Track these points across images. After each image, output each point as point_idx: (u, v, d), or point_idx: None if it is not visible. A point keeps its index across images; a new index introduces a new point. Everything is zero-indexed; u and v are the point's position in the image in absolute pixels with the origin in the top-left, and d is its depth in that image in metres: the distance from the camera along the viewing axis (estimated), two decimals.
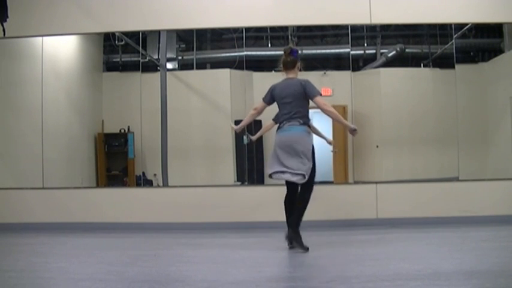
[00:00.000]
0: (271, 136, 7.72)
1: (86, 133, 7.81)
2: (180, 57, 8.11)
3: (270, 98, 4.69)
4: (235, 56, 7.53)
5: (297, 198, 4.53)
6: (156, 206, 6.32)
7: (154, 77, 7.43)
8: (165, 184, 7.16)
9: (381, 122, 7.44)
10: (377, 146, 7.36)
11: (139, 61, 7.48)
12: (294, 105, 4.53)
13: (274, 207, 6.10)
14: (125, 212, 6.30)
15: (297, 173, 4.38)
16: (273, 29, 7.56)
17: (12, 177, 6.77)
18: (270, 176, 4.58)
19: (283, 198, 4.64)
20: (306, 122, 4.53)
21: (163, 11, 6.39)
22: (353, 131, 4.53)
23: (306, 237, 5.10)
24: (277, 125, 4.78)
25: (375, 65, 7.94)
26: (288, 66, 4.64)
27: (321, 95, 4.56)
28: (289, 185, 4.58)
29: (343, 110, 7.26)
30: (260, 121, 7.61)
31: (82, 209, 6.31)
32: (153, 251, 4.68)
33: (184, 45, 8.12)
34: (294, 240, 4.41)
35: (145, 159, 7.63)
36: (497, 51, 7.44)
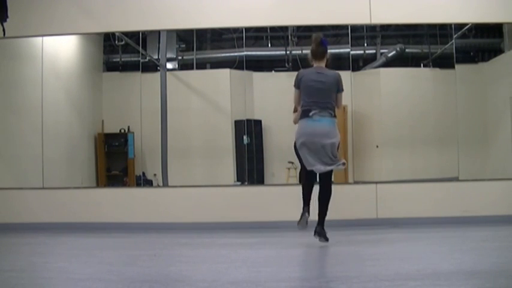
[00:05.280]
0: (271, 136, 7.76)
1: (86, 133, 7.81)
2: (180, 57, 8.10)
3: (298, 84, 4.61)
4: (235, 56, 7.53)
5: (324, 188, 4.56)
6: (156, 206, 6.33)
7: (154, 77, 7.43)
8: (165, 184, 7.16)
9: (381, 122, 7.43)
10: (377, 146, 7.36)
11: (139, 61, 7.47)
12: (326, 96, 4.51)
13: (274, 207, 6.13)
14: (125, 212, 6.30)
15: (332, 163, 4.46)
16: (273, 29, 7.55)
17: (12, 177, 6.77)
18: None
19: (299, 187, 4.65)
20: (335, 114, 4.54)
21: (163, 11, 6.39)
22: None
23: (306, 237, 5.10)
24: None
25: (375, 65, 7.93)
26: (318, 56, 4.60)
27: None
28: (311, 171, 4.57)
29: (343, 110, 7.26)
30: (260, 121, 7.63)
31: (82, 209, 6.31)
32: (153, 251, 4.67)
33: (184, 45, 8.11)
34: (322, 233, 4.50)
35: (145, 159, 7.63)
36: (497, 51, 7.43)
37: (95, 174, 7.82)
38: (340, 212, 5.96)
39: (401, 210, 6.03)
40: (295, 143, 4.65)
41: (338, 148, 4.55)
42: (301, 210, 4.61)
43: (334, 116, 4.53)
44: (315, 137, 4.43)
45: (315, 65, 4.65)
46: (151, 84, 7.35)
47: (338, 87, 4.59)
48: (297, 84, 4.62)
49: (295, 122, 4.71)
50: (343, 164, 4.51)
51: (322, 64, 4.63)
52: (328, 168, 4.46)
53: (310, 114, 4.47)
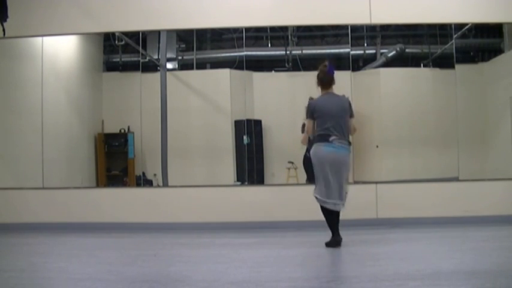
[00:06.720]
0: (271, 137, 7.76)
1: (86, 133, 7.81)
2: (180, 57, 8.10)
3: (312, 114, 4.67)
4: (235, 56, 7.53)
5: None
6: (156, 206, 6.32)
7: (154, 77, 7.43)
8: (165, 184, 7.16)
9: (381, 122, 7.43)
10: (377, 146, 7.36)
11: (139, 61, 7.47)
12: (341, 121, 4.61)
13: (274, 207, 6.12)
14: (125, 212, 6.30)
15: (343, 203, 4.59)
16: (273, 29, 7.55)
17: (12, 177, 6.77)
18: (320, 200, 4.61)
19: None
20: (350, 142, 4.67)
21: (163, 11, 6.39)
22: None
23: (306, 237, 5.11)
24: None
25: (375, 65, 7.93)
26: (326, 84, 4.70)
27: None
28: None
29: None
30: (260, 121, 7.63)
31: (82, 209, 6.31)
32: (153, 251, 4.68)
33: (184, 45, 8.12)
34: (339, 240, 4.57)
35: (145, 159, 7.63)
36: (497, 51, 7.43)
37: (95, 174, 7.82)
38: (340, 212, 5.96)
39: (401, 210, 6.03)
40: (304, 159, 4.71)
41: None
42: (331, 236, 4.62)
43: (350, 144, 4.67)
44: (338, 166, 4.52)
45: (322, 91, 4.73)
46: (151, 84, 7.35)
47: (350, 113, 4.70)
48: (311, 115, 4.68)
49: (304, 143, 4.87)
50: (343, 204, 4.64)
51: (330, 90, 4.72)
52: (334, 206, 4.56)
53: (330, 139, 4.53)
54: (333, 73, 4.69)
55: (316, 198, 4.61)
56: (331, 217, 4.60)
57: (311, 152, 4.66)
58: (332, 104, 4.62)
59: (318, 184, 4.58)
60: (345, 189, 4.60)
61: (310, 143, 4.85)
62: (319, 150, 4.57)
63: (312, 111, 4.66)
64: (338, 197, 4.54)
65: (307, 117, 4.71)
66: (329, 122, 4.56)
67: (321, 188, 4.55)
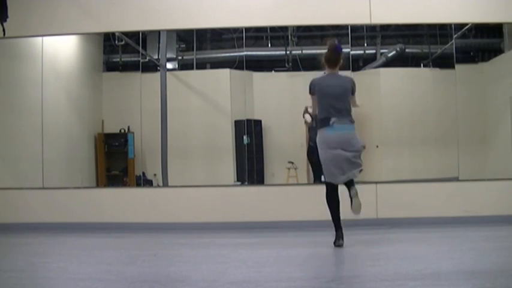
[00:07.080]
0: (271, 136, 7.76)
1: (86, 133, 7.81)
2: (180, 57, 8.10)
3: (313, 93, 4.64)
4: (235, 56, 7.53)
5: (350, 186, 4.55)
6: (156, 206, 6.32)
7: (154, 77, 7.43)
8: (165, 184, 7.16)
9: (381, 122, 7.43)
10: (377, 146, 7.35)
11: (139, 61, 7.47)
12: (344, 102, 4.54)
13: (274, 207, 6.13)
14: (125, 212, 6.30)
15: (355, 171, 4.50)
16: (273, 29, 7.55)
17: (12, 177, 6.77)
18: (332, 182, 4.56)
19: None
20: (353, 120, 4.58)
21: (163, 11, 6.39)
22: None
23: (306, 237, 5.11)
24: None
25: (374, 65, 7.93)
26: (332, 63, 4.60)
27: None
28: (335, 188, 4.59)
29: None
30: (260, 121, 7.63)
31: (82, 209, 6.31)
32: (153, 251, 4.68)
33: (184, 45, 8.12)
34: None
35: (145, 159, 7.63)
36: (497, 51, 7.43)
37: (95, 174, 7.82)
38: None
39: (401, 210, 6.03)
40: (308, 150, 4.67)
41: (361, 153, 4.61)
42: (334, 233, 4.57)
43: (353, 122, 4.57)
44: (340, 149, 4.45)
45: (328, 71, 4.66)
46: (151, 84, 7.36)
47: (352, 91, 4.63)
48: (312, 91, 4.63)
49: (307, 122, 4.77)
50: (360, 170, 4.56)
51: (336, 70, 4.64)
52: (347, 177, 4.50)
53: (331, 122, 4.47)
54: (341, 51, 4.61)
55: (327, 184, 4.56)
56: (338, 211, 4.55)
57: (317, 139, 4.61)
58: (335, 84, 4.55)
59: (327, 167, 4.51)
60: (357, 160, 4.50)
61: (312, 132, 4.83)
62: (323, 135, 4.53)
63: (313, 89, 4.61)
64: (349, 168, 4.46)
65: (309, 93, 4.67)
66: (329, 104, 4.50)
67: (331, 168, 4.48)
